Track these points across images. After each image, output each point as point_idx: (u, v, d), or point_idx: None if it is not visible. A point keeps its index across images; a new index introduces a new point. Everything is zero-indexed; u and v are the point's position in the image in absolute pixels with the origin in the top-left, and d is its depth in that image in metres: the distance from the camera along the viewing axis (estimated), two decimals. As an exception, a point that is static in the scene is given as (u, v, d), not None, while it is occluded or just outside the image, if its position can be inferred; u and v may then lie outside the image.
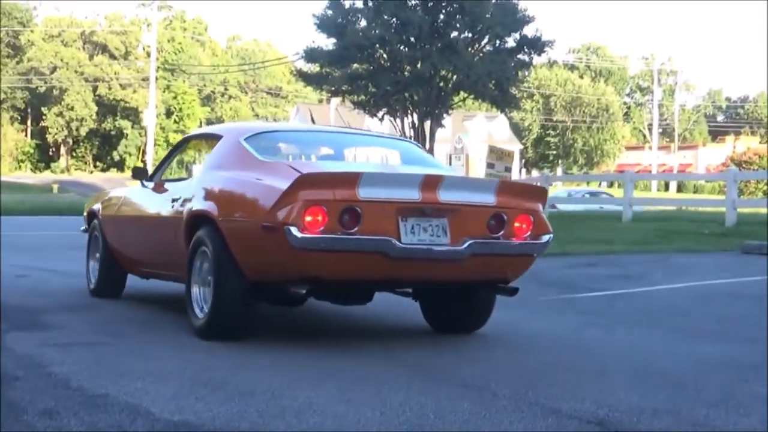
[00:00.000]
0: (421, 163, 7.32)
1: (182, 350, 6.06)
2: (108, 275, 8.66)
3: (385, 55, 23.24)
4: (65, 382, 4.91)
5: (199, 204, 6.62)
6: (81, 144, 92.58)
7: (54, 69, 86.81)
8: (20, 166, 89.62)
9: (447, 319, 7.03)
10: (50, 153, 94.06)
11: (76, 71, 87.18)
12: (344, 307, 8.27)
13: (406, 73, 22.91)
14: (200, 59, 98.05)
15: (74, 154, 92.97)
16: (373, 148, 7.44)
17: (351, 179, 5.83)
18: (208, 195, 6.61)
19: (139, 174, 8.22)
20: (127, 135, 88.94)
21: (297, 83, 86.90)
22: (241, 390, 4.74)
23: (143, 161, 75.18)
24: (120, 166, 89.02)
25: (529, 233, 6.31)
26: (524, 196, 6.35)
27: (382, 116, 24.07)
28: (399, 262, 5.85)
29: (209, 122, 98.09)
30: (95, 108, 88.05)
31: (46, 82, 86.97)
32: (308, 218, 5.69)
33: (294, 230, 5.66)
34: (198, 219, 6.57)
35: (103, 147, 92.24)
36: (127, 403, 4.45)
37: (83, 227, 9.55)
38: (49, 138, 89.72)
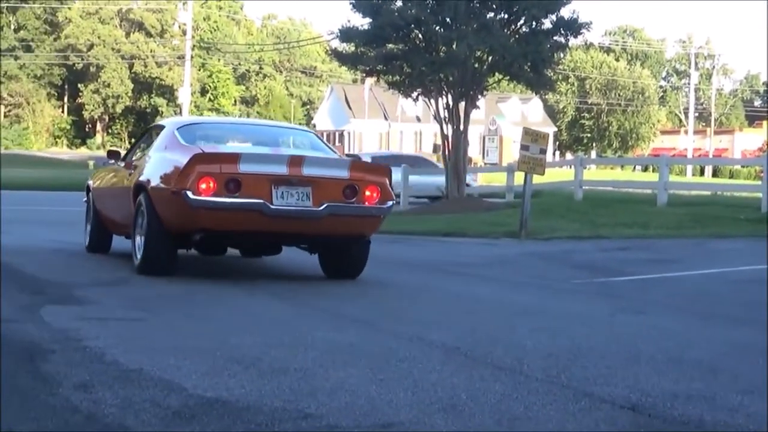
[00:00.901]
0: (314, 147, 9.51)
1: (215, 327, 6.09)
2: (97, 235, 10.82)
3: (420, 36, 23.10)
4: (100, 356, 4.95)
5: (140, 176, 8.89)
6: (117, 121, 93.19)
7: (91, 46, 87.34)
8: (57, 142, 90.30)
9: (335, 268, 8.99)
10: (86, 129, 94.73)
11: (112, 49, 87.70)
12: (365, 286, 8.31)
13: (441, 53, 22.78)
14: (235, 38, 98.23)
15: (110, 131, 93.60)
16: (285, 137, 9.97)
17: (234, 157, 8.17)
18: (146, 170, 8.90)
19: (113, 156, 10.74)
20: (162, 112, 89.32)
21: (331, 63, 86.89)
22: (273, 368, 4.75)
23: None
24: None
25: (377, 200, 8.39)
26: (372, 172, 8.58)
27: (417, 96, 23.94)
28: (273, 219, 8.05)
29: (244, 101, 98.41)
30: (131, 85, 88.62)
31: (83, 59, 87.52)
32: (202, 186, 7.95)
33: (190, 194, 7.95)
34: (139, 187, 8.80)
35: (139, 124, 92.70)
36: (161, 378, 4.47)
37: (84, 198, 11.59)
38: (86, 114, 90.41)
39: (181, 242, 8.51)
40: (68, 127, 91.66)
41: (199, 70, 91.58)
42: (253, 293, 7.91)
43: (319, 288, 8.50)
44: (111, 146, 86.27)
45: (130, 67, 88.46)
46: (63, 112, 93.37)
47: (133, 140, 65.07)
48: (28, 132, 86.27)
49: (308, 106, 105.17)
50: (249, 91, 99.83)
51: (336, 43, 27.85)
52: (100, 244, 10.78)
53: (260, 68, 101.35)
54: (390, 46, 23.26)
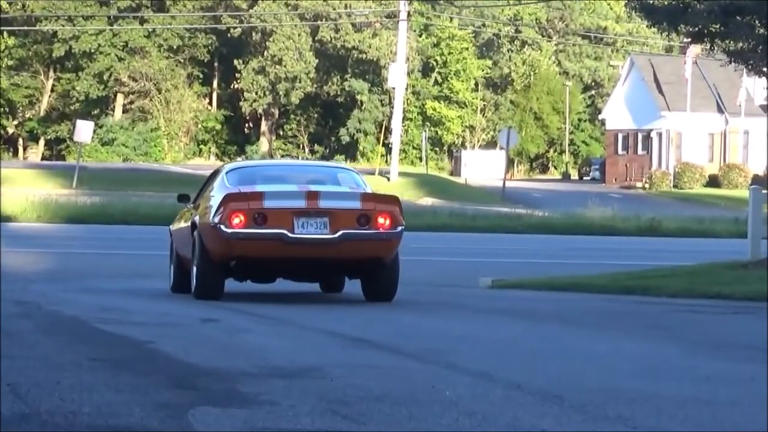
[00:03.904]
0: (349, 183, 16.29)
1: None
2: (179, 275, 16.51)
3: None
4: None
5: (194, 216, 15.59)
6: (292, 117, 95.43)
7: (254, 1, 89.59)
8: (201, 151, 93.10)
9: (372, 292, 15.53)
10: (245, 130, 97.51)
11: (286, 4, 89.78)
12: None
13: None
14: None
15: (281, 133, 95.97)
16: (317, 174, 17.91)
17: (259, 195, 15.00)
18: (199, 209, 15.63)
19: (183, 199, 17.28)
20: (361, 103, 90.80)
21: (633, 22, 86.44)
22: None
23: (386, 144, 76.73)
24: (350, 152, 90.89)
25: (389, 225, 14.79)
26: (382, 201, 15.58)
27: (775, 74, 23.49)
28: (294, 246, 14.64)
29: (490, 83, 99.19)
30: (314, 61, 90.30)
31: (241, 21, 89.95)
32: (234, 220, 14.49)
33: (223, 227, 14.47)
34: (193, 225, 15.42)
35: (325, 122, 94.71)
36: None
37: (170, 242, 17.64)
38: (245, 107, 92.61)
39: (225, 270, 14.97)
40: (219, 126, 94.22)
41: (420, 35, 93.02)
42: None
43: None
44: (283, 155, 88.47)
45: (313, 32, 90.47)
46: (210, 104, 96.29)
47: (317, 147, 67.64)
48: (159, 135, 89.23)
49: (593, 91, 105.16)
50: (498, 68, 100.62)
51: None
52: (182, 284, 16.06)
53: (516, 31, 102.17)
54: (732, -8, 23.00)
